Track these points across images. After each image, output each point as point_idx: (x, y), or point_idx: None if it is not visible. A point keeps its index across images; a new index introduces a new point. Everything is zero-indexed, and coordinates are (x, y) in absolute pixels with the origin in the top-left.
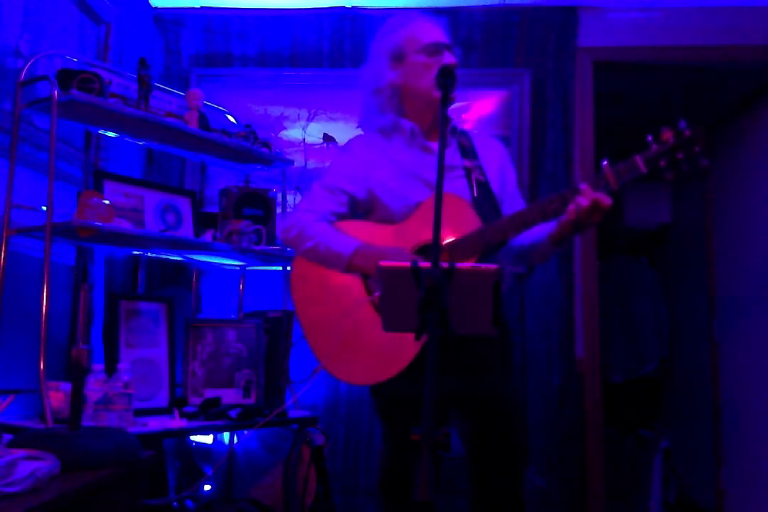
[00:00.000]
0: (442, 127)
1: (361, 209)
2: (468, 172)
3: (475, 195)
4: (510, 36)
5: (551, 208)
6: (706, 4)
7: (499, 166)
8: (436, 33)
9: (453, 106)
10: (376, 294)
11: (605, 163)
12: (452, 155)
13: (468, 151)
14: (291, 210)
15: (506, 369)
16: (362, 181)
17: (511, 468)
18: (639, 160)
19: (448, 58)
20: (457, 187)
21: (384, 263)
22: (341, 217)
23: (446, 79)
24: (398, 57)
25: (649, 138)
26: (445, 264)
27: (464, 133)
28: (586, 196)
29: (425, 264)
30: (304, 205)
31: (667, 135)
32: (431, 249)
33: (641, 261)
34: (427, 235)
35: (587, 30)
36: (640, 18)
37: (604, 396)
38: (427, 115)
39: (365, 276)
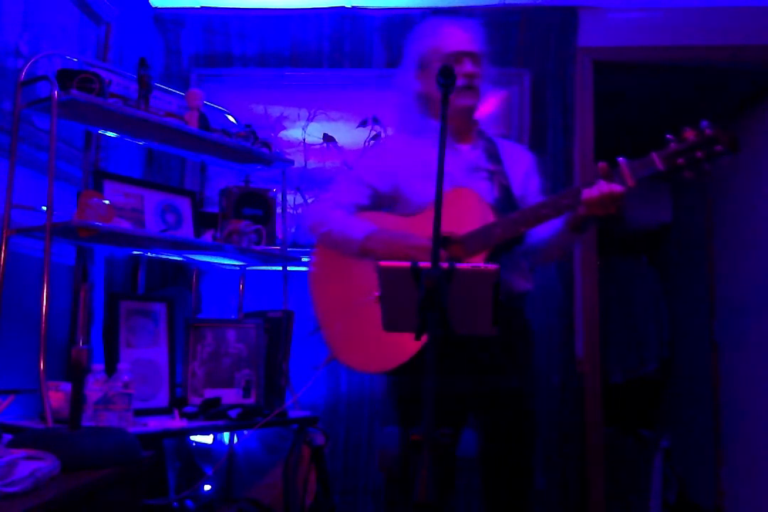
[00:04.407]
0: (443, 125)
1: (384, 203)
2: (492, 175)
3: (497, 196)
4: (510, 36)
5: (564, 203)
6: (707, 4)
7: (523, 173)
8: (459, 41)
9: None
10: (376, 294)
11: (622, 159)
12: (478, 157)
13: (493, 156)
14: (314, 200)
15: (528, 369)
16: (389, 176)
17: (528, 466)
18: (655, 157)
19: (467, 67)
20: (480, 188)
21: (384, 263)
22: (363, 208)
23: (447, 79)
24: (423, 66)
25: (669, 136)
26: (445, 265)
27: (490, 139)
28: (601, 186)
29: (425, 264)
30: (327, 195)
31: (688, 133)
32: (445, 240)
33: (641, 260)
34: (443, 227)
35: (587, 30)
36: (640, 18)
37: (604, 396)
38: (455, 119)
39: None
